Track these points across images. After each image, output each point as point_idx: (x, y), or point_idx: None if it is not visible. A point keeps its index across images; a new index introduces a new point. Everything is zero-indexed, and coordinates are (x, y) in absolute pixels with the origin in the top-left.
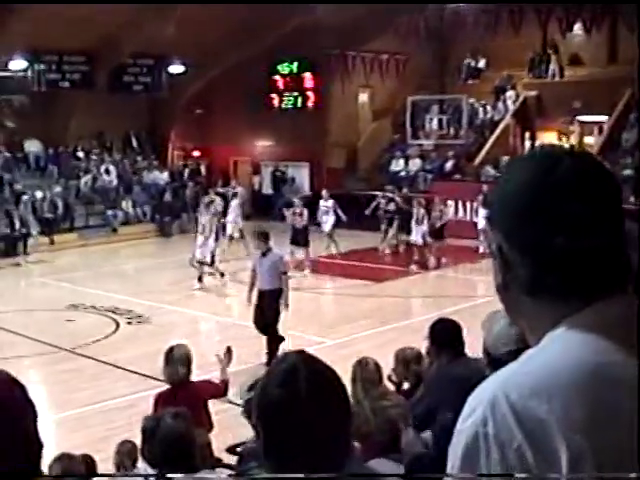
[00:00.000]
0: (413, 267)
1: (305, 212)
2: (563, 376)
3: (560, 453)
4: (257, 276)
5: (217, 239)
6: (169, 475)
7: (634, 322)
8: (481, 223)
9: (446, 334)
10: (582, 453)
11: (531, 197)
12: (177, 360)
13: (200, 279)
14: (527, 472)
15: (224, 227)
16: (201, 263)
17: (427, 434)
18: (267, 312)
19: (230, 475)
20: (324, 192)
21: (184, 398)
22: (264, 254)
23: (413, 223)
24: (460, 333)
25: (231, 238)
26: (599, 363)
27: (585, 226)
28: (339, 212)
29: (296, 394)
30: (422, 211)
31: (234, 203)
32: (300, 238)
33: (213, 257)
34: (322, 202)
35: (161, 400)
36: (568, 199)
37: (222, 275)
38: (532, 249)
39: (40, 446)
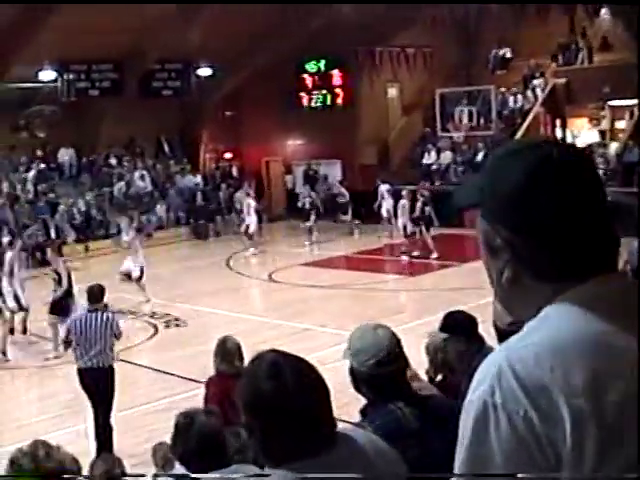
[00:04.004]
0: (403, 257)
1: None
2: (563, 345)
3: (563, 416)
4: (77, 345)
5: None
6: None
7: (626, 296)
8: None
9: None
10: (583, 415)
11: (534, 186)
12: (231, 352)
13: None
14: (535, 436)
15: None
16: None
17: None
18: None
19: (248, 476)
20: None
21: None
22: (91, 312)
23: (399, 214)
24: (474, 324)
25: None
26: (596, 332)
27: (586, 207)
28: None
29: (285, 386)
30: (403, 202)
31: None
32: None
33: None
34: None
35: (212, 386)
36: (568, 183)
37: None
38: (543, 235)
39: None
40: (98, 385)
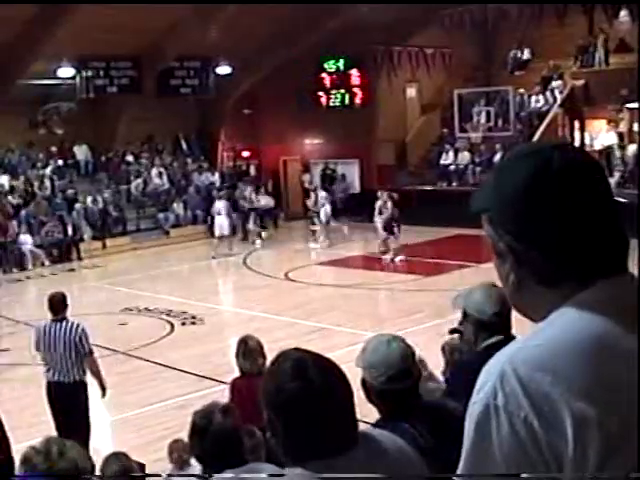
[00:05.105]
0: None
1: None
2: (566, 349)
3: (565, 420)
4: (43, 357)
5: None
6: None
7: (633, 298)
8: None
9: None
10: (585, 419)
11: (534, 193)
12: (254, 351)
13: None
14: (536, 440)
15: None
16: None
17: None
18: (68, 419)
19: (271, 475)
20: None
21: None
22: (55, 323)
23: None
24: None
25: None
26: (600, 335)
27: (588, 211)
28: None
29: (310, 385)
30: (379, 203)
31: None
32: None
33: None
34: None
35: (236, 388)
36: (569, 189)
37: None
38: (544, 242)
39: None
40: (65, 402)
